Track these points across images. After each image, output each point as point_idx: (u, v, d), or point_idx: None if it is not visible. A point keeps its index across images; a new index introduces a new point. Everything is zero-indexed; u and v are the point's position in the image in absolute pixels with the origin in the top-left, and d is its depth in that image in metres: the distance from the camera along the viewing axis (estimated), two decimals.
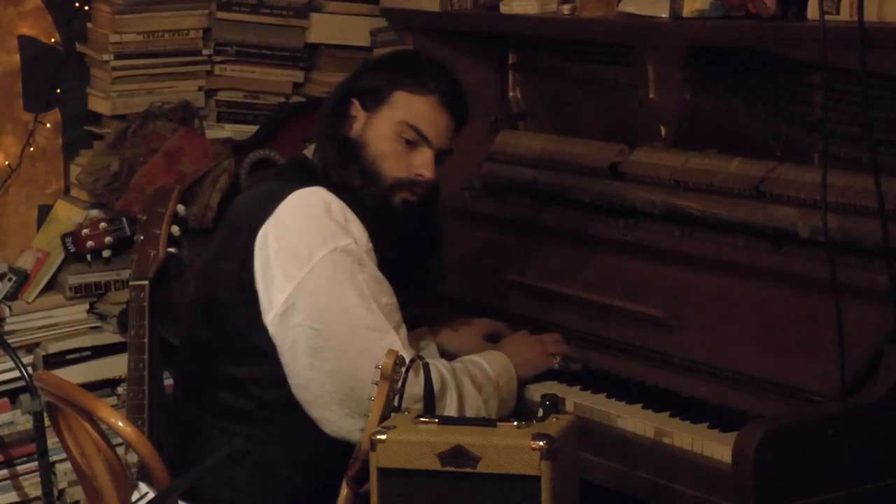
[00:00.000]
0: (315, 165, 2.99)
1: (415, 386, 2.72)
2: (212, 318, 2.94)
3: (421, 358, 2.78)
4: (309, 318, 2.82)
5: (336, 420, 2.84)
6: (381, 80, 2.99)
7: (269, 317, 2.84)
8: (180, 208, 3.20)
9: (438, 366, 2.86)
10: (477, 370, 2.95)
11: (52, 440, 3.85)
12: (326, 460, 2.85)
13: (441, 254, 3.11)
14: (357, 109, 2.99)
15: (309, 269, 2.83)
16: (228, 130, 4.22)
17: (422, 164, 2.96)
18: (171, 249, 3.15)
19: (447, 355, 3.12)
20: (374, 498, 2.49)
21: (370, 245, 2.89)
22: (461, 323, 3.27)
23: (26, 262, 4.06)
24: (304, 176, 2.95)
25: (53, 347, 4.04)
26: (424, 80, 2.97)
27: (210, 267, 2.99)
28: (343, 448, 2.80)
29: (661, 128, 3.44)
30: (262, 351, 2.86)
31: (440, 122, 2.98)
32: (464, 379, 2.89)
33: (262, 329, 2.85)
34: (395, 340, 2.79)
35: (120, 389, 4.06)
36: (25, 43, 4.09)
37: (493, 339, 3.23)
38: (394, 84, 2.97)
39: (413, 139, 2.95)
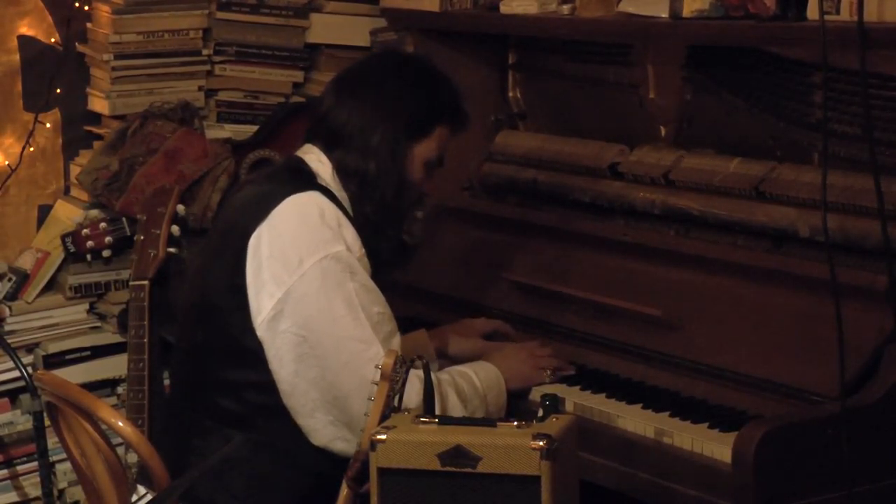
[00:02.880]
0: (310, 169, 2.96)
1: (410, 396, 2.70)
2: (206, 320, 2.93)
3: (421, 358, 2.77)
4: (296, 325, 2.81)
5: (320, 428, 2.83)
6: (426, 111, 2.98)
7: (258, 321, 2.83)
8: (180, 208, 3.20)
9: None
10: (464, 382, 2.92)
11: (52, 440, 3.84)
12: (324, 466, 2.84)
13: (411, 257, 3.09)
14: None
15: (299, 276, 2.81)
16: (228, 130, 4.21)
17: (432, 184, 3.02)
18: (171, 249, 3.15)
19: (446, 359, 3.11)
20: (374, 498, 2.49)
21: (363, 251, 2.88)
22: (459, 325, 3.26)
23: (26, 262, 4.05)
24: (299, 180, 2.93)
25: (53, 347, 4.04)
26: (465, 120, 3.02)
27: (203, 269, 2.98)
28: None
29: (661, 128, 3.44)
30: (256, 355, 2.85)
31: (450, 145, 3.04)
32: (448, 391, 2.86)
33: (254, 333, 2.84)
34: (379, 352, 2.75)
35: (120, 389, 4.06)
36: (25, 43, 4.08)
37: (494, 339, 3.23)
38: (439, 118, 2.99)
39: (435, 165, 3.00)
